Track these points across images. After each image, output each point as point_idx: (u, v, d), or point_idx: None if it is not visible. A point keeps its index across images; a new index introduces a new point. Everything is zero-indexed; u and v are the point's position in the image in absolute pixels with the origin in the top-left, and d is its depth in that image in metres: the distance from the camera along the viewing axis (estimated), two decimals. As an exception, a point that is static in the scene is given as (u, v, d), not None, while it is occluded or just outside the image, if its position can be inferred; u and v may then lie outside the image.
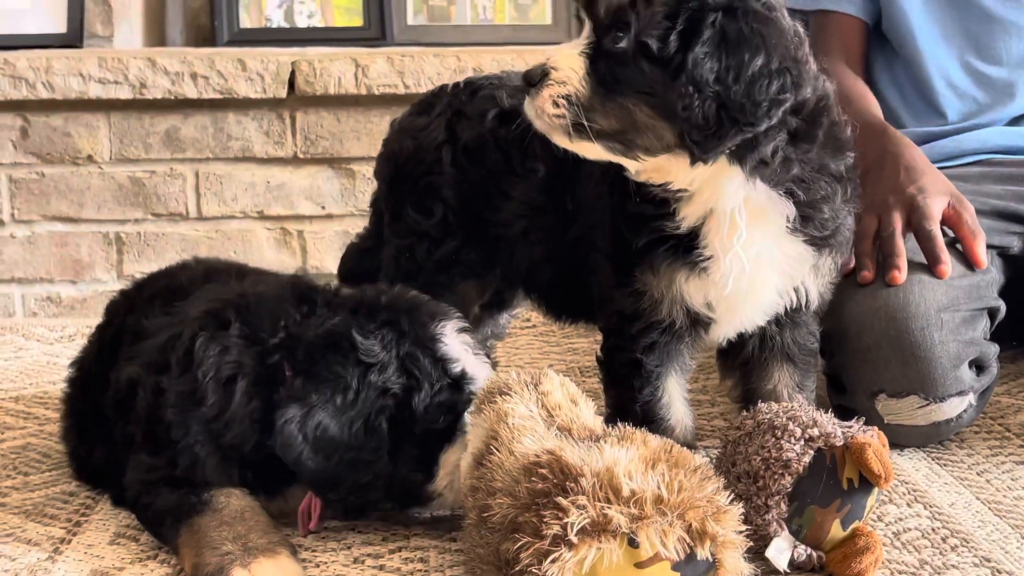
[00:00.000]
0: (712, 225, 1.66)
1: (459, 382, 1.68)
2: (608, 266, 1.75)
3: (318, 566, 1.63)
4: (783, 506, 1.55)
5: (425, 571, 1.60)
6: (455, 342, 1.70)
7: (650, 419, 1.74)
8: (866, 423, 1.60)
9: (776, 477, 1.55)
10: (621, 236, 1.72)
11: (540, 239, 1.90)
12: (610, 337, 1.80)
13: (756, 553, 1.51)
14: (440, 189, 1.96)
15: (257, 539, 1.57)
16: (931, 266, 1.98)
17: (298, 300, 1.73)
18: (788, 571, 1.56)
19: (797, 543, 1.56)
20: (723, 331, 1.80)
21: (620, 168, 1.67)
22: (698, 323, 1.74)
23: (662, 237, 1.68)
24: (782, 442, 1.56)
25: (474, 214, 1.95)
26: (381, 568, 1.62)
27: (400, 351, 1.66)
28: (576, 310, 1.98)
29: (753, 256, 1.67)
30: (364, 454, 1.63)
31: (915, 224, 2.01)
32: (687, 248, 1.68)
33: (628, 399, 1.77)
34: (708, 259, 1.67)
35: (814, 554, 1.56)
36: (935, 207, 2.01)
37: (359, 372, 1.64)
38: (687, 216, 1.67)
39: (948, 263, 1.98)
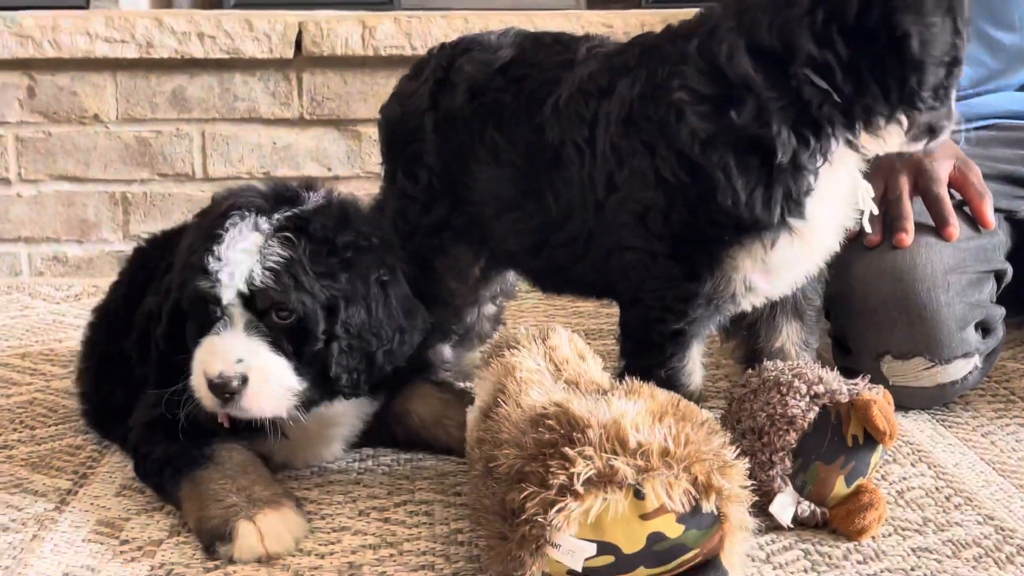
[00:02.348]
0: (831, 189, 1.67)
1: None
2: (671, 263, 1.67)
3: (323, 518, 1.63)
4: (787, 462, 1.55)
5: (430, 523, 1.61)
6: (232, 236, 1.62)
7: (674, 385, 1.71)
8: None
9: (781, 433, 1.55)
10: (694, 231, 1.65)
11: (513, 232, 1.85)
12: (650, 310, 1.72)
13: (760, 508, 1.51)
14: (423, 156, 1.93)
15: (261, 491, 1.57)
16: (939, 228, 1.98)
17: None
18: (792, 526, 1.57)
19: (801, 499, 1.56)
20: (773, 294, 1.77)
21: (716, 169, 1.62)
22: (751, 291, 1.71)
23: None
24: (787, 399, 1.57)
25: (455, 183, 1.92)
26: (386, 520, 1.62)
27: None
28: (564, 288, 1.96)
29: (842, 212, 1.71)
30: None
31: (922, 187, 2.00)
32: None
33: (655, 365, 1.72)
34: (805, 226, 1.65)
35: (818, 510, 1.57)
36: (941, 170, 2.00)
37: None
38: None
39: (956, 225, 1.97)
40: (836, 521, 1.56)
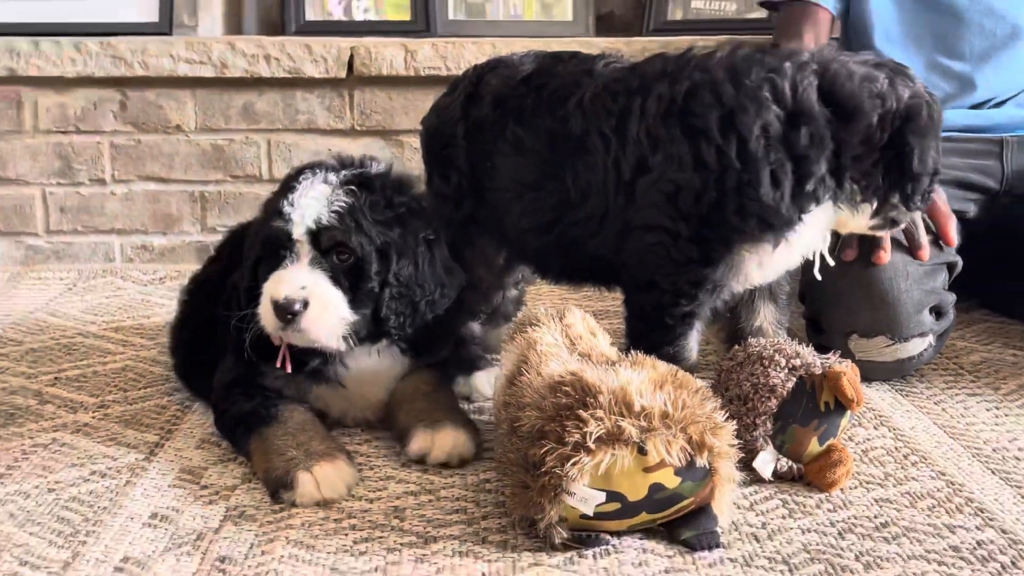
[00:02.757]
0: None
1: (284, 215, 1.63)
2: (691, 246, 1.65)
3: (371, 469, 1.63)
4: (769, 425, 1.54)
5: (463, 474, 1.60)
6: (305, 186, 1.65)
7: (677, 359, 1.69)
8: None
9: (763, 400, 1.54)
10: (719, 216, 1.62)
11: (530, 211, 1.81)
12: (665, 295, 1.69)
13: (745, 464, 1.51)
14: (455, 159, 1.91)
15: (318, 446, 1.57)
16: (912, 250, 1.96)
17: None
18: (772, 480, 1.56)
19: (780, 456, 1.55)
20: (755, 283, 1.75)
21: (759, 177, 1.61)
22: (747, 281, 1.70)
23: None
24: (769, 370, 1.55)
25: (480, 181, 1.90)
26: (425, 471, 1.62)
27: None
28: (569, 266, 1.90)
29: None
30: None
31: None
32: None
33: (663, 343, 1.69)
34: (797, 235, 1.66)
35: (794, 466, 1.56)
36: None
37: None
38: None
39: (927, 248, 1.95)
40: (810, 475, 1.55)
